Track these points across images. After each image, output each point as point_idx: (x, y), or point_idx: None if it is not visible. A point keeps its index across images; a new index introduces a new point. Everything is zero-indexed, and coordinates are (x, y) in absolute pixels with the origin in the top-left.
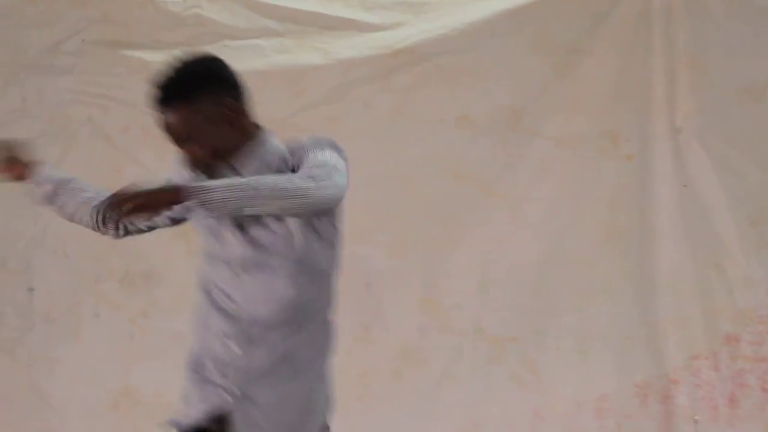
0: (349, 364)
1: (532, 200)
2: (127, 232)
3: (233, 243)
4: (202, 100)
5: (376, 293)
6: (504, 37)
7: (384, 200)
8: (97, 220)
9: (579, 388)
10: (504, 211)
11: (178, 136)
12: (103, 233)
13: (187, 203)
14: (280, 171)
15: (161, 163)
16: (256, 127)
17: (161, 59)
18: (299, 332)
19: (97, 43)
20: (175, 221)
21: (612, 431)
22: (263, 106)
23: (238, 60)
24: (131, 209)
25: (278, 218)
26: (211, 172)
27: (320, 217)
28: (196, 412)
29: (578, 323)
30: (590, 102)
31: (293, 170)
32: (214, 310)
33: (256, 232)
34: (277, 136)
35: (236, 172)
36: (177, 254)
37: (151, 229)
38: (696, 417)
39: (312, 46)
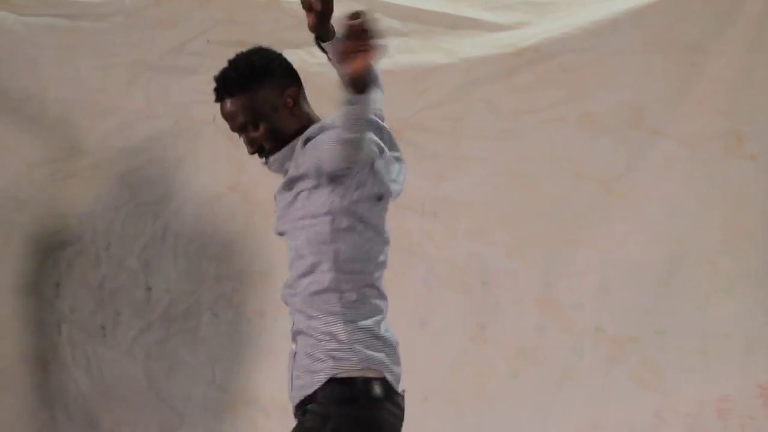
0: (465, 364)
1: (654, 200)
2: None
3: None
4: (261, 87)
5: (493, 292)
6: (627, 36)
7: (503, 199)
8: None
9: (701, 389)
10: (625, 210)
11: (238, 123)
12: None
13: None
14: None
15: None
16: (314, 117)
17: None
18: None
19: (222, 43)
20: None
21: None
22: (387, 105)
23: None
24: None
25: None
26: (266, 156)
27: None
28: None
29: (700, 323)
30: (714, 101)
31: None
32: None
33: None
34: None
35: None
36: None
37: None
38: None
39: (436, 46)
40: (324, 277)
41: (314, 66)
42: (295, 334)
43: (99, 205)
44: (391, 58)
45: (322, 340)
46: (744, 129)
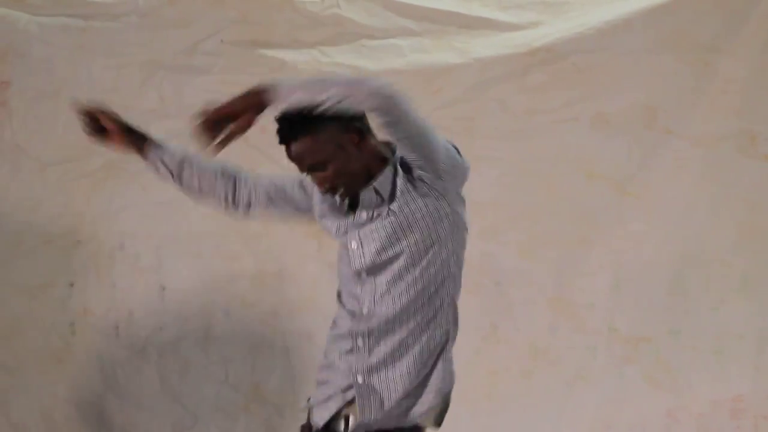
0: (478, 364)
1: (667, 199)
2: (249, 206)
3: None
4: (327, 126)
5: (506, 292)
6: (641, 36)
7: (516, 198)
8: (226, 194)
9: (714, 389)
10: (638, 210)
11: (306, 165)
12: (230, 210)
13: (276, 104)
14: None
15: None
16: (388, 148)
17: (299, 59)
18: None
19: (236, 43)
20: (300, 210)
21: None
22: None
23: (376, 59)
24: (217, 124)
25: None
26: (349, 195)
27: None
28: (328, 412)
29: (714, 323)
30: (727, 101)
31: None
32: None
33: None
34: None
35: (379, 195)
36: (309, 253)
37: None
38: None
39: (449, 46)
40: None
41: (328, 65)
42: None
43: (113, 204)
44: (404, 58)
45: None
46: (757, 129)
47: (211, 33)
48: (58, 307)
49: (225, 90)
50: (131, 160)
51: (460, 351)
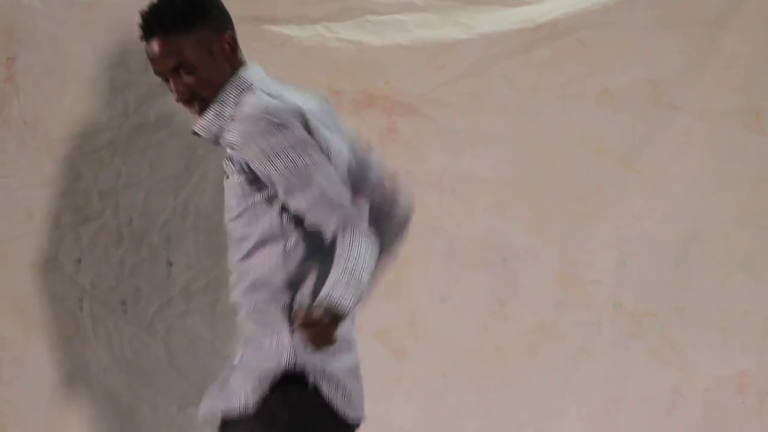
0: (485, 340)
1: (673, 175)
2: None
3: None
4: (201, 28)
5: (512, 268)
6: (646, 11)
7: (522, 175)
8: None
9: (719, 364)
10: (644, 186)
11: (170, 65)
12: None
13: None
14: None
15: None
16: (242, 64)
17: (303, 35)
18: None
19: (240, 18)
20: None
21: (754, 407)
22: (405, 81)
23: (380, 35)
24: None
25: None
26: (200, 109)
27: None
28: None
29: (719, 299)
30: (733, 77)
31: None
32: None
33: None
34: (261, 81)
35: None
36: None
37: None
38: None
39: (454, 21)
40: None
41: (332, 41)
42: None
43: (120, 180)
44: (409, 33)
45: None
46: (763, 105)
47: None
48: (66, 282)
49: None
50: (138, 136)
51: (467, 327)
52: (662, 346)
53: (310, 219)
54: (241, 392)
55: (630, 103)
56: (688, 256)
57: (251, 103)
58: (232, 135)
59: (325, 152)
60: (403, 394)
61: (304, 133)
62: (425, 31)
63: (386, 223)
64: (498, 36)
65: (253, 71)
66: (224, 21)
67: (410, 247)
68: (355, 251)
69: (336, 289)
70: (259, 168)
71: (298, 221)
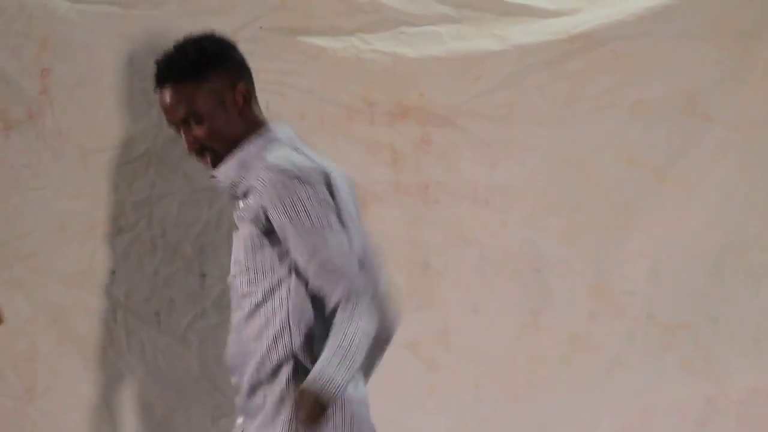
0: (518, 350)
1: (707, 186)
2: None
3: None
4: (214, 78)
5: (545, 279)
6: (681, 22)
7: (556, 186)
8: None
9: (753, 376)
10: (678, 197)
11: (180, 115)
12: None
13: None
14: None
15: (336, 150)
16: (262, 122)
17: (338, 46)
18: None
19: (275, 30)
20: None
21: None
22: (439, 92)
23: (415, 46)
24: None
25: None
26: (212, 160)
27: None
28: None
29: (753, 310)
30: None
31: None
32: None
33: None
34: (281, 142)
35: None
36: None
37: None
38: None
39: (489, 33)
40: None
41: (367, 53)
42: None
43: (154, 191)
44: (443, 45)
45: None
46: None
47: (250, 20)
48: (100, 294)
49: (264, 77)
50: (172, 147)
51: (500, 338)
52: (696, 357)
53: (316, 283)
54: None
55: (664, 114)
56: (721, 267)
57: (279, 155)
58: (254, 180)
59: (343, 221)
60: (436, 405)
61: (327, 195)
62: (460, 42)
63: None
64: (532, 47)
65: (282, 129)
66: (240, 72)
67: (443, 257)
68: (354, 327)
69: (328, 368)
70: (276, 218)
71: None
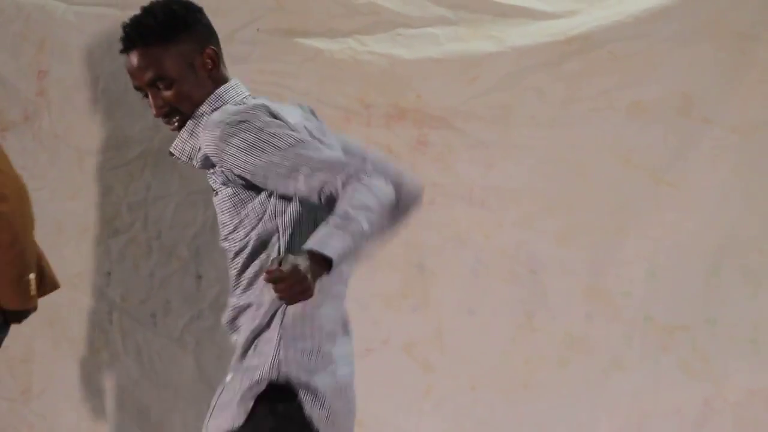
0: (513, 352)
1: (704, 188)
2: None
3: None
4: (182, 41)
5: (541, 281)
6: (678, 24)
7: (552, 187)
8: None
9: (751, 377)
10: (675, 198)
11: (148, 78)
12: None
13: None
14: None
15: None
16: (226, 79)
17: (335, 48)
18: None
19: (272, 31)
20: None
21: None
22: (436, 94)
23: (412, 48)
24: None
25: None
26: (178, 123)
27: None
28: None
29: (751, 312)
30: (765, 90)
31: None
32: None
33: None
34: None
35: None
36: None
37: None
38: None
39: (485, 34)
40: None
41: (364, 54)
42: None
43: (150, 193)
44: (440, 47)
45: None
46: None
47: (247, 22)
48: (95, 295)
49: (261, 79)
50: (168, 149)
51: (495, 340)
52: (693, 359)
53: (313, 187)
54: (230, 409)
55: (661, 115)
56: (719, 269)
57: (215, 114)
58: (205, 147)
59: (299, 129)
60: (432, 407)
61: (269, 118)
62: (456, 44)
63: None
64: (529, 49)
65: (233, 89)
66: (208, 35)
67: (438, 259)
68: (356, 196)
69: (321, 233)
70: (243, 167)
71: (295, 222)
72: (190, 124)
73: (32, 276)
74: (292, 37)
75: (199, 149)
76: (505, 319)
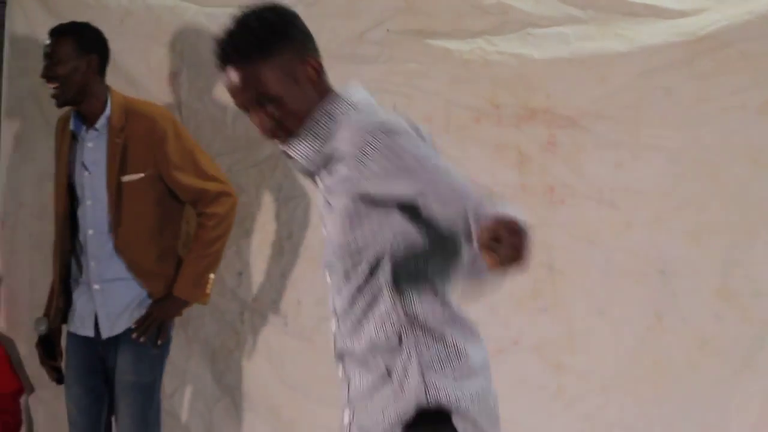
0: (643, 354)
1: None
2: None
3: None
4: (281, 52)
5: (670, 281)
6: None
7: (682, 187)
8: None
9: None
10: None
11: (250, 97)
12: None
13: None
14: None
15: (463, 152)
16: (331, 89)
17: (465, 48)
18: None
19: (401, 32)
20: None
21: None
22: (565, 94)
23: (542, 48)
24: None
25: None
26: (286, 139)
27: None
28: None
29: None
30: None
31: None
32: None
33: None
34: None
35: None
36: None
37: None
38: None
39: (615, 33)
40: None
41: (493, 54)
42: None
43: (281, 194)
44: (569, 46)
45: None
46: None
47: (377, 22)
48: (227, 296)
49: (391, 80)
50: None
51: (625, 340)
52: None
53: (438, 211)
54: None
55: None
56: None
57: (358, 117)
58: (345, 146)
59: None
60: (562, 408)
61: (416, 137)
62: (586, 43)
63: None
64: (659, 48)
65: (356, 91)
66: (306, 42)
67: (568, 259)
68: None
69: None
70: (380, 173)
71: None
72: (314, 129)
73: (212, 276)
74: (421, 37)
75: (331, 157)
76: (634, 320)
